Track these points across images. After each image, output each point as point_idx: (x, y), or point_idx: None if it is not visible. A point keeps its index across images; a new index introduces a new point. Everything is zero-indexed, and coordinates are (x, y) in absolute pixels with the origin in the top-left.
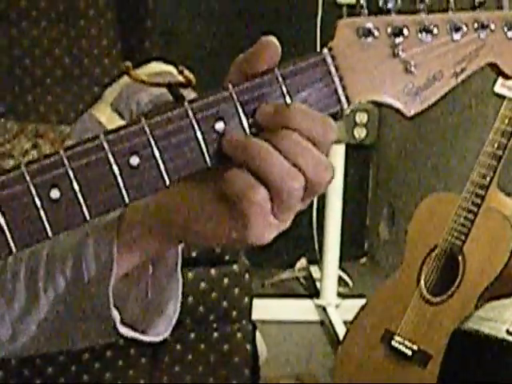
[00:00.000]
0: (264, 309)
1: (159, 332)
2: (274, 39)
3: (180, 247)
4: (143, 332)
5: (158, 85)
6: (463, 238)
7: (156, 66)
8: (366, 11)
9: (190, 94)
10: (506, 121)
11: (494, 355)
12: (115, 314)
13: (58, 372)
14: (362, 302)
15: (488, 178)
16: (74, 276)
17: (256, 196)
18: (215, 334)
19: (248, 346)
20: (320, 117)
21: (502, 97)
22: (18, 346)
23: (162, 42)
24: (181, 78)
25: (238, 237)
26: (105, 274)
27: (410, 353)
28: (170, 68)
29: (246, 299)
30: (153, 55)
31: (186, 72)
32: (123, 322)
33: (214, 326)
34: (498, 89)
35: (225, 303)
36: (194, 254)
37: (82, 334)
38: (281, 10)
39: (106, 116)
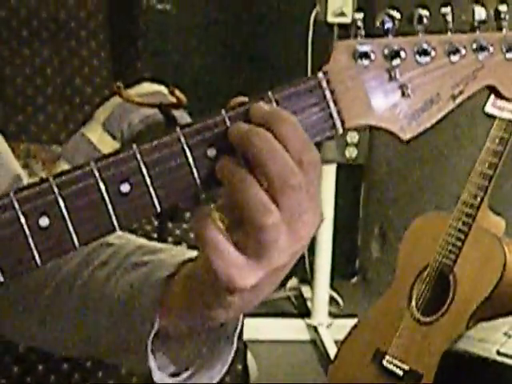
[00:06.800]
0: (255, 328)
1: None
2: None
3: (241, 316)
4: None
5: (149, 105)
6: (454, 257)
7: (147, 87)
8: (362, 32)
9: (181, 114)
10: (497, 140)
11: (484, 376)
12: (152, 364)
13: None
14: (354, 321)
15: (479, 198)
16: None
17: (208, 233)
18: None
19: (239, 366)
20: (305, 137)
21: (492, 117)
22: (48, 337)
23: (153, 62)
24: (172, 99)
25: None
26: (147, 324)
27: (400, 373)
28: (162, 88)
29: None
30: (144, 75)
31: (177, 92)
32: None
33: None
34: (488, 109)
35: None
36: None
37: (119, 356)
38: (272, 30)
39: (97, 136)
